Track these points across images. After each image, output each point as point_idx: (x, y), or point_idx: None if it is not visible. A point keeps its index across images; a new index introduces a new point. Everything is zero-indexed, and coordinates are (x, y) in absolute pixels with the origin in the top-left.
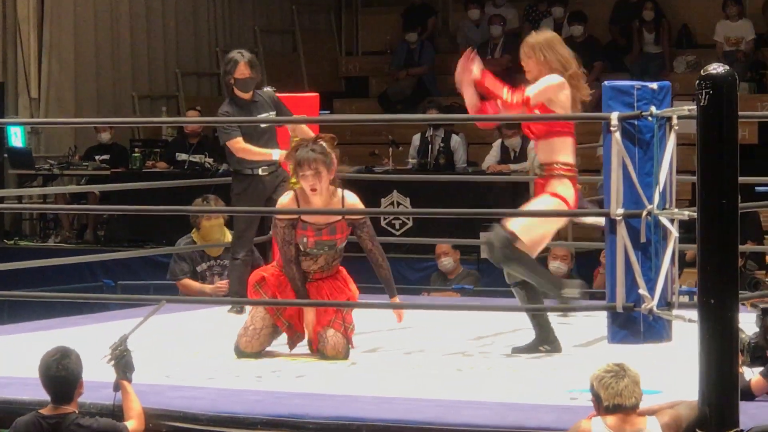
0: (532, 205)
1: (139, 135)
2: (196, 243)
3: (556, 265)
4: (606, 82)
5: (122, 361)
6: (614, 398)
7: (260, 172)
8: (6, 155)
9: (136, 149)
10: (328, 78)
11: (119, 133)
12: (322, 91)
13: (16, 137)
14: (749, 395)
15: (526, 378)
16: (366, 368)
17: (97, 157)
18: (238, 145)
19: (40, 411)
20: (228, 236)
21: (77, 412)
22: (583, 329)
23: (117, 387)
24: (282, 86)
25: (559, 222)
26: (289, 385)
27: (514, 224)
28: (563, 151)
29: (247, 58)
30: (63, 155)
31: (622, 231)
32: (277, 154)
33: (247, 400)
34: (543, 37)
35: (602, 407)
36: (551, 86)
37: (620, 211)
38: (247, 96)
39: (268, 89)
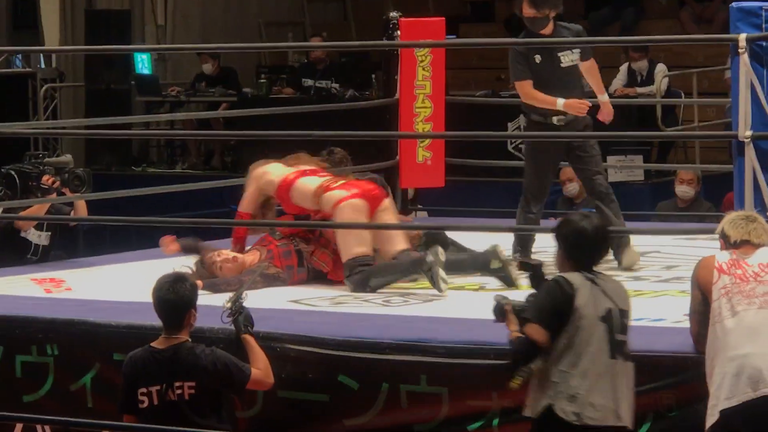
0: None
1: (265, 61)
2: None
3: (683, 189)
4: (734, 3)
5: (240, 317)
6: (743, 235)
7: (554, 121)
8: (133, 82)
9: (263, 75)
10: (454, 2)
11: (246, 59)
12: (447, 16)
13: (143, 64)
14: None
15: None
16: (495, 292)
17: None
18: (524, 89)
19: (152, 345)
20: None
21: (189, 340)
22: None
23: (238, 343)
24: (407, 11)
25: None
26: (417, 309)
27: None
28: None
29: None
30: (189, 82)
31: (750, 153)
32: (561, 103)
33: (375, 324)
34: None
35: (729, 245)
36: None
37: (749, 133)
38: (544, 33)
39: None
